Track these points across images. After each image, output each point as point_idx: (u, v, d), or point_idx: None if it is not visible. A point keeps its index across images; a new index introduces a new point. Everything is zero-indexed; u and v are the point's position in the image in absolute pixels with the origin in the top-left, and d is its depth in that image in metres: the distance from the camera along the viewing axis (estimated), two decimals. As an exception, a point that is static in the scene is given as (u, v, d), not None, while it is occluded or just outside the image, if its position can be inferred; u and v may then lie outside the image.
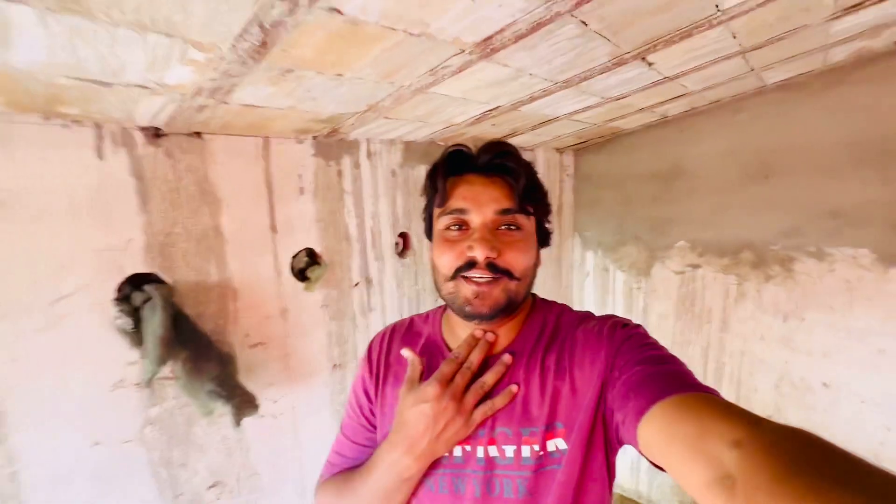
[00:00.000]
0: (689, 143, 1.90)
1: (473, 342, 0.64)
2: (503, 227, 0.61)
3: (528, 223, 0.63)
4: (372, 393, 0.71)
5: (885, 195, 1.49)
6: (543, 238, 0.68)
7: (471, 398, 0.59)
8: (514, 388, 0.60)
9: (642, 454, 0.46)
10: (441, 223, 0.63)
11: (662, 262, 2.07)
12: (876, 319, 1.55)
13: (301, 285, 1.09)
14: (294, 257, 1.07)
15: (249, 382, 0.98)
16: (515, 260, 0.59)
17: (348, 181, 1.17)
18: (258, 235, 0.99)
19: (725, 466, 0.34)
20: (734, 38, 0.92)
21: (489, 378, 0.61)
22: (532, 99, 1.07)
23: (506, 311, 0.60)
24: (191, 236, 0.89)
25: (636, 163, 2.09)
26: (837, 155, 1.56)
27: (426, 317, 0.76)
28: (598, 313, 0.66)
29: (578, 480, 0.55)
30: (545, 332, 0.65)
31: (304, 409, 1.12)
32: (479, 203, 0.60)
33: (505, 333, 0.65)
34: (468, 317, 0.61)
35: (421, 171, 1.39)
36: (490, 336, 0.64)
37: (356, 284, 1.22)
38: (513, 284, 0.60)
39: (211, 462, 0.95)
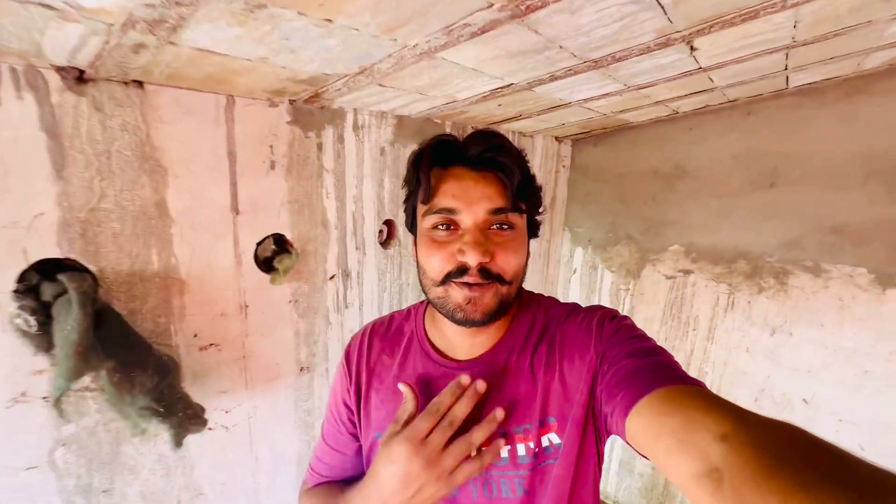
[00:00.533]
0: (695, 142, 1.80)
1: (458, 391, 0.55)
2: (495, 227, 0.57)
3: (520, 221, 0.60)
4: (351, 401, 0.67)
5: (891, 214, 1.44)
6: (533, 230, 0.65)
7: (450, 461, 0.52)
8: (501, 442, 0.55)
9: (630, 445, 0.46)
10: (427, 222, 0.59)
11: (654, 266, 1.99)
12: (865, 340, 1.53)
13: (267, 277, 0.92)
14: (259, 244, 0.89)
15: (197, 391, 0.82)
16: (507, 263, 0.57)
17: (329, 157, 0.99)
18: (215, 216, 0.81)
19: (712, 460, 0.34)
20: (795, 27, 0.79)
21: (477, 436, 0.53)
22: (552, 78, 0.91)
23: (498, 314, 0.58)
24: (125, 214, 0.70)
25: (637, 158, 1.98)
26: (847, 168, 1.49)
27: (407, 313, 0.72)
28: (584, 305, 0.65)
29: (574, 473, 0.55)
30: (534, 329, 0.63)
31: (264, 419, 0.97)
32: (470, 202, 0.56)
33: (494, 331, 0.63)
34: (459, 322, 0.58)
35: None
36: (481, 385, 0.56)
37: (332, 277, 1.06)
38: (504, 289, 0.57)
39: (145, 485, 0.79)
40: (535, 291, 0.71)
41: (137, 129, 0.69)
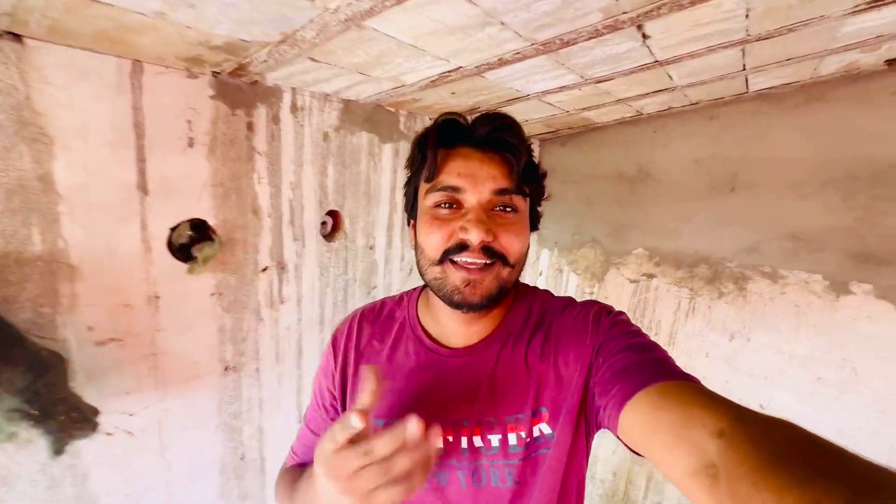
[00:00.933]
0: (659, 145, 1.79)
1: (398, 441, 0.41)
2: (498, 209, 0.56)
3: (524, 205, 0.59)
4: (335, 386, 0.66)
5: (845, 221, 1.45)
6: (534, 221, 0.64)
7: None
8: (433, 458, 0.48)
9: (620, 440, 0.46)
10: (430, 200, 0.57)
11: (618, 269, 1.97)
12: (819, 347, 1.53)
13: (184, 267, 0.83)
14: (173, 229, 0.81)
15: (92, 392, 0.73)
16: (511, 244, 0.56)
17: (262, 139, 0.92)
18: (117, 196, 0.73)
19: (709, 456, 0.34)
20: (747, 16, 0.76)
21: (418, 482, 0.43)
22: (501, 62, 0.86)
23: (497, 300, 0.57)
24: (-3, 186, 0.61)
25: (603, 161, 1.96)
26: (804, 174, 1.50)
27: (399, 299, 0.71)
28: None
29: (566, 464, 0.55)
30: (530, 319, 0.62)
31: (178, 423, 0.88)
32: (475, 181, 0.55)
33: (490, 320, 0.62)
34: (456, 306, 0.56)
35: (362, 138, 1.15)
36: (434, 445, 0.43)
37: (264, 270, 0.98)
38: (506, 272, 0.56)
39: (23, 498, 0.69)
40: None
41: (13, 89, 0.60)
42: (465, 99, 1.16)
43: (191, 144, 0.80)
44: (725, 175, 1.66)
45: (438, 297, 0.58)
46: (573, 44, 0.79)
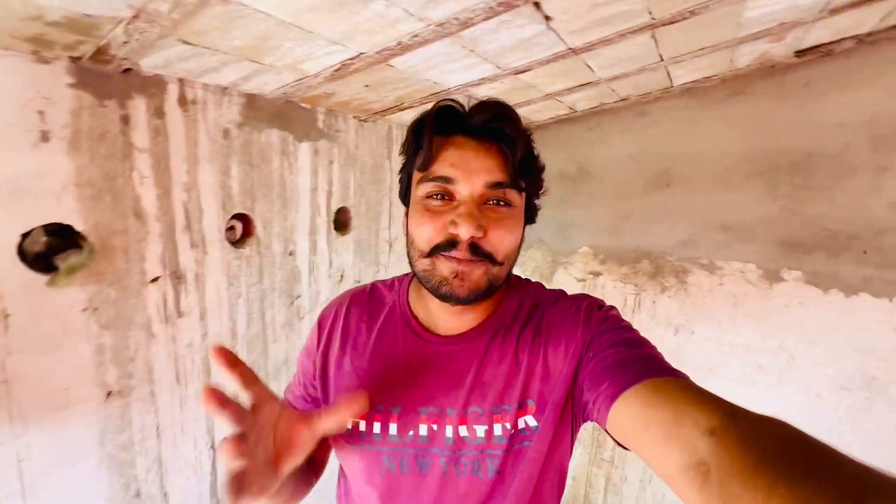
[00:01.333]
0: (596, 143, 1.80)
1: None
2: (491, 202, 0.55)
3: (518, 200, 0.57)
4: (316, 367, 0.65)
5: (771, 211, 1.48)
6: (531, 216, 0.63)
7: None
8: None
9: (608, 433, 0.47)
10: (422, 190, 0.56)
11: (565, 268, 1.96)
12: (757, 336, 1.55)
13: (42, 279, 0.73)
14: (25, 236, 0.70)
15: (-87, 431, 0.61)
16: (501, 242, 0.54)
17: (142, 134, 0.82)
18: (-57, 196, 0.62)
19: (700, 453, 0.35)
20: (643, -5, 0.75)
21: None
22: (403, 47, 0.81)
23: (485, 295, 0.56)
24: None
25: (545, 161, 1.95)
26: (732, 167, 1.53)
27: (391, 284, 0.71)
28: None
29: (546, 457, 0.55)
30: (521, 311, 0.62)
31: (45, 461, 0.76)
32: (468, 172, 0.54)
33: (481, 310, 0.62)
34: (444, 297, 0.55)
35: (272, 136, 1.07)
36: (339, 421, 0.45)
37: (154, 280, 0.88)
38: (495, 269, 0.55)
39: None
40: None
41: None
42: (383, 93, 1.10)
43: (45, 139, 0.70)
44: (660, 171, 1.68)
45: (426, 288, 0.57)
46: (471, 24, 0.75)
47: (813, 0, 0.91)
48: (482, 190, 0.54)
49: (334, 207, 1.29)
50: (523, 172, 0.57)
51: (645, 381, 0.44)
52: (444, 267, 0.54)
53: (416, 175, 0.58)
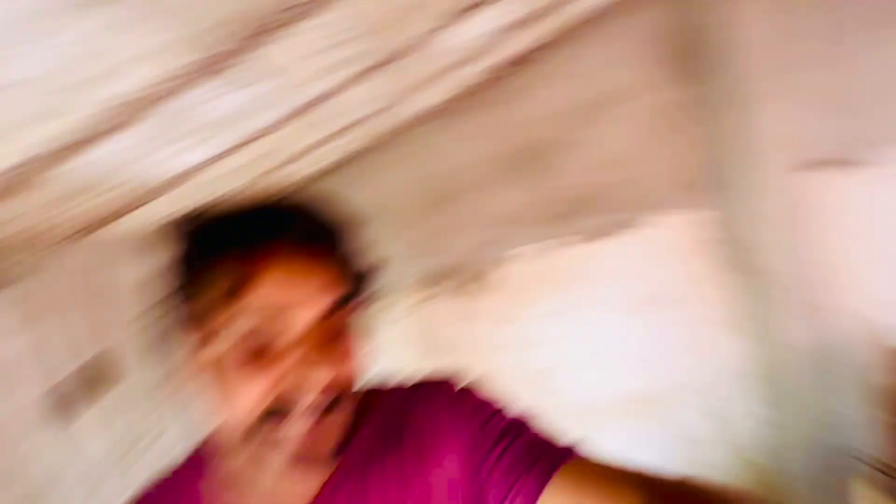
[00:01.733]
0: (369, 181, 1.80)
1: None
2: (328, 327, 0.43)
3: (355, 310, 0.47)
4: None
5: (529, 197, 1.74)
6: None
7: None
8: None
9: None
10: (233, 332, 0.38)
11: (393, 307, 1.90)
12: (551, 307, 1.78)
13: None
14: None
15: None
16: (352, 372, 0.43)
17: None
18: None
19: None
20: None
21: None
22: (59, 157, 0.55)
23: (347, 442, 0.44)
24: None
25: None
26: (491, 169, 1.75)
27: (190, 462, 0.50)
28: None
29: None
30: (390, 429, 0.50)
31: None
32: (305, 293, 0.40)
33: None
34: (293, 464, 0.41)
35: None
36: None
37: None
38: (347, 407, 0.43)
39: None
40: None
41: None
42: (65, 209, 0.77)
43: None
44: (438, 188, 1.80)
45: (259, 458, 0.43)
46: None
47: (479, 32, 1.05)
48: (325, 312, 0.45)
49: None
50: (361, 275, 0.49)
51: (558, 470, 0.43)
52: (291, 428, 0.43)
53: (209, 315, 0.44)
